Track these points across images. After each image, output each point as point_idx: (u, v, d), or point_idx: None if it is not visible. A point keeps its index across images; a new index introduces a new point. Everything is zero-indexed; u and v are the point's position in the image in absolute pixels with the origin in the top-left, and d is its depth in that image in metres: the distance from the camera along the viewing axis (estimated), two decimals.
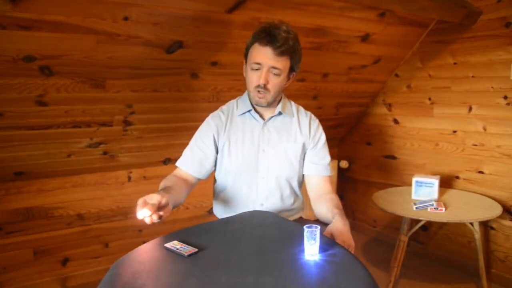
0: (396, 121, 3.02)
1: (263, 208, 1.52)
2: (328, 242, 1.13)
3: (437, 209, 2.16)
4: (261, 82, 1.40)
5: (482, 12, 2.39)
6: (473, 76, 2.49)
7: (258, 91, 1.43)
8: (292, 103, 1.61)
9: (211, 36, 1.96)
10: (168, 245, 1.11)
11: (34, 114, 1.91)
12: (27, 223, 2.28)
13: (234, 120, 1.54)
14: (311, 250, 1.04)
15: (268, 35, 1.36)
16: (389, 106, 3.06)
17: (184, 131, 2.43)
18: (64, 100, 1.92)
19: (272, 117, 1.53)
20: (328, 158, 1.59)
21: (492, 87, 2.41)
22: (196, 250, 1.08)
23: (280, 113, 1.53)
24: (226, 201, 1.60)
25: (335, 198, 1.49)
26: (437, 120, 2.74)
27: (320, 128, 1.59)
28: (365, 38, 2.42)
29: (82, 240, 2.47)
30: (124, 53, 1.84)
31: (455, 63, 2.58)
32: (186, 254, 1.06)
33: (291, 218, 1.59)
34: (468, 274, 2.55)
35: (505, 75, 2.33)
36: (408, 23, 2.46)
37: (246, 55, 1.47)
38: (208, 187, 2.96)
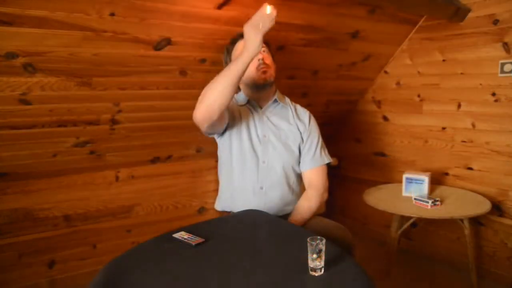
0: (385, 118, 3.03)
1: (266, 194, 1.58)
2: (334, 254, 1.08)
3: (435, 205, 2.20)
4: (260, 56, 1.53)
5: (471, 9, 2.40)
6: (462, 73, 2.51)
7: (262, 69, 1.56)
8: (286, 97, 1.75)
9: (200, 33, 1.93)
10: (176, 235, 1.16)
11: (18, 113, 1.86)
12: (11, 225, 2.23)
13: (238, 108, 1.66)
14: (315, 265, 0.99)
15: None
16: (379, 103, 3.06)
17: (172, 129, 2.40)
18: (49, 98, 1.88)
19: (269, 105, 1.65)
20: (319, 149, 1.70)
21: (480, 84, 2.43)
22: (203, 240, 1.11)
23: (276, 101, 1.66)
24: (227, 189, 1.66)
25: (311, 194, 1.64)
26: (427, 117, 2.75)
27: (313, 119, 1.72)
28: (355, 34, 2.42)
29: (69, 242, 2.42)
30: (111, 50, 1.80)
31: (444, 60, 2.59)
32: (193, 244, 1.09)
33: (291, 208, 1.65)
34: (458, 269, 2.58)
35: (494, 72, 2.35)
36: (397, 20, 2.46)
37: (229, 51, 1.66)
38: (198, 186, 2.93)
